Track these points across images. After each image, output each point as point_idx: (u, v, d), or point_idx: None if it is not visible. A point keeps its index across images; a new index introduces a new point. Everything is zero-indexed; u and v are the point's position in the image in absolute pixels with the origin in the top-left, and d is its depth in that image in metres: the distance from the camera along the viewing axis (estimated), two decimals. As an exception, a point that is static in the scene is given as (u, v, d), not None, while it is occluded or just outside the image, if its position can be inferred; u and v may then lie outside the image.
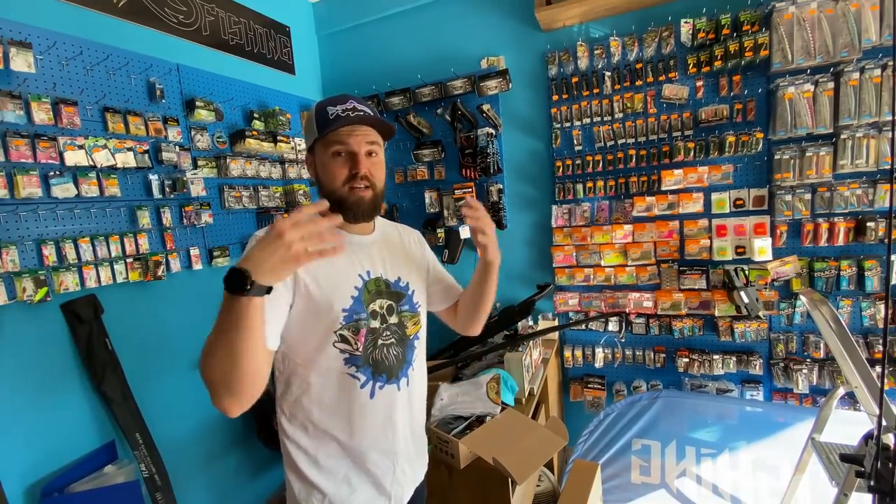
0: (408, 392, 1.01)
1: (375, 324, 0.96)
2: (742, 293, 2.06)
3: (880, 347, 1.95)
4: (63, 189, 1.57)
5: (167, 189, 1.91)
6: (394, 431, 0.98)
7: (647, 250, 2.29)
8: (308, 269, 0.89)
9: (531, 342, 2.03)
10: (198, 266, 2.05)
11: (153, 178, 1.87)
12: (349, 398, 0.93)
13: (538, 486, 1.95)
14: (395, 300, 1.00)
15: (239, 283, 0.66)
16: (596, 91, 2.31)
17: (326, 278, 0.90)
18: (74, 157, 1.59)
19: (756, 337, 2.15)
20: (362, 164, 0.91)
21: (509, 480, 1.44)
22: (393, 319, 0.99)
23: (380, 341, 0.96)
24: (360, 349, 0.93)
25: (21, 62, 1.46)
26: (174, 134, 1.94)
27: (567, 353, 2.50)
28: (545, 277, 2.55)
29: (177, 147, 1.96)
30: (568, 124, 2.39)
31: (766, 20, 1.99)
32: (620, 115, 2.28)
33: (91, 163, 1.64)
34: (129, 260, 1.77)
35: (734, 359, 2.20)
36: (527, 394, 1.87)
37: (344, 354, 0.92)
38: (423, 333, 1.08)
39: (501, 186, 2.59)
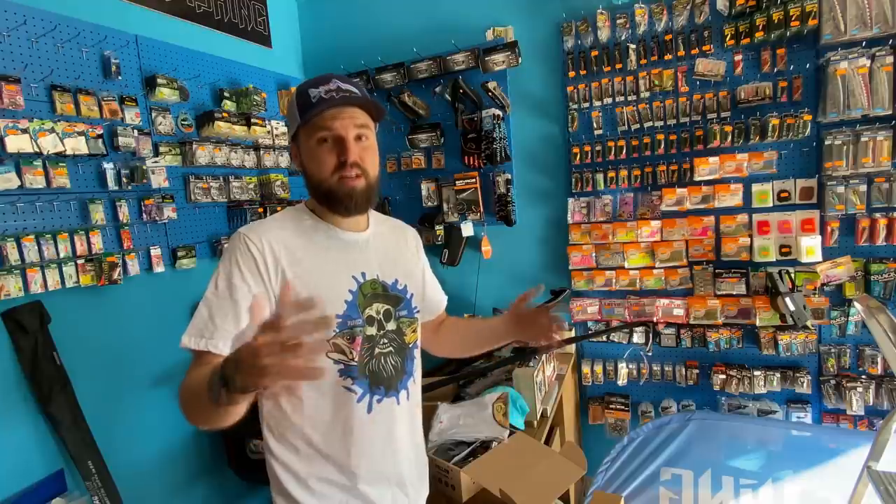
0: (408, 406, 1.05)
1: (372, 331, 0.99)
2: (787, 299, 2.05)
3: (947, 362, 1.94)
4: (4, 179, 1.57)
5: (124, 180, 1.92)
6: (394, 451, 1.01)
7: (678, 250, 2.28)
8: (296, 271, 0.91)
9: (544, 356, 2.02)
10: (159, 268, 2.04)
11: (108, 166, 1.87)
12: (345, 414, 0.95)
13: (552, 521, 1.94)
14: (392, 304, 1.03)
15: (215, 392, 0.67)
16: (619, 67, 2.30)
17: (317, 281, 0.92)
18: (17, 143, 1.58)
19: (803, 350, 2.14)
20: (351, 150, 0.92)
21: (519, 516, 1.43)
22: (391, 326, 1.02)
23: (377, 350, 0.99)
24: (356, 359, 0.95)
25: (-46, 32, 1.46)
26: (132, 116, 1.94)
27: (585, 369, 2.50)
28: (560, 282, 2.54)
29: (135, 131, 1.95)
30: (586, 105, 2.38)
31: (815, -16, 1.98)
32: (647, 94, 2.27)
33: (36, 149, 1.63)
34: (81, 261, 1.76)
35: (778, 375, 2.19)
36: (539, 415, 1.88)
37: (338, 365, 0.94)
38: (420, 343, 1.11)
39: (510, 176, 2.58)
